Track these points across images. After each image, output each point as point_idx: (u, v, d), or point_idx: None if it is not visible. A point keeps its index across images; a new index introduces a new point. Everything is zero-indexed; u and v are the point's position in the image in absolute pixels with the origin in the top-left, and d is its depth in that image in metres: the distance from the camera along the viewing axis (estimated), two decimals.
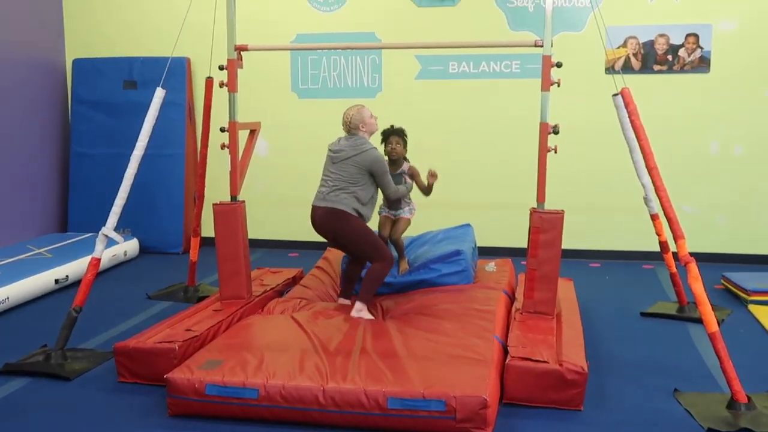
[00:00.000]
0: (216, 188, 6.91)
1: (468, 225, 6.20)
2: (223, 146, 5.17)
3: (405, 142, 5.34)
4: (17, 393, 4.03)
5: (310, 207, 5.05)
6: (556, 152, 4.63)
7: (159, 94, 4.79)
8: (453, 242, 5.67)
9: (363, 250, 4.99)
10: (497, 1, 7.29)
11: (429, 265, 5.41)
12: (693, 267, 3.92)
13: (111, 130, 7.84)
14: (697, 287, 3.88)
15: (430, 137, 7.00)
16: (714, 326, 3.79)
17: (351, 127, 5.01)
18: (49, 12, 7.93)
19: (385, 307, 5.04)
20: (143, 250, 7.69)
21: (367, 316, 4.82)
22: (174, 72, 7.35)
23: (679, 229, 4.04)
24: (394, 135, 5.32)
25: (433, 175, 5.25)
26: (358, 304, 4.84)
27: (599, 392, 3.97)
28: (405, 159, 5.38)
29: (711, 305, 3.92)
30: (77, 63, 7.97)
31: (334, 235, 5.02)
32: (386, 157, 5.20)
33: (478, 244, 6.11)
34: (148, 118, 4.74)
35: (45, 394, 4.02)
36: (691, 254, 4.01)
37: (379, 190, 5.11)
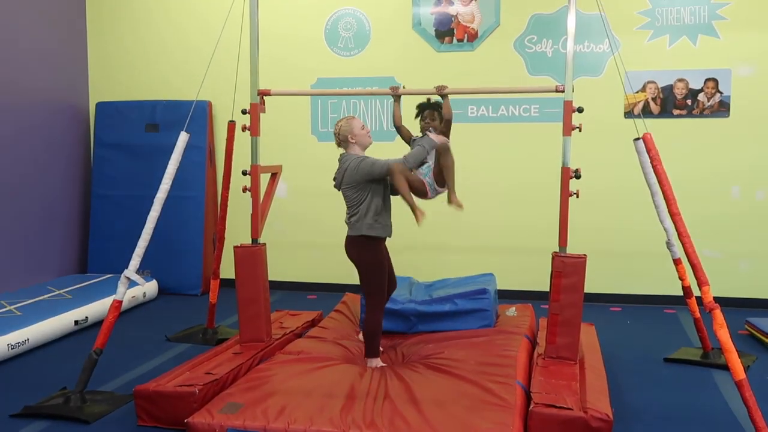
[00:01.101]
0: (234, 230, 6.93)
1: (491, 274, 6.18)
2: (245, 189, 5.20)
3: (441, 117, 5.00)
4: None
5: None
6: (578, 197, 4.62)
7: (183, 137, 4.84)
8: (477, 285, 5.66)
9: (366, 283, 4.73)
10: (516, 46, 7.36)
11: (453, 299, 5.41)
12: (718, 314, 3.88)
13: (132, 173, 7.92)
14: (723, 334, 3.85)
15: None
16: (741, 374, 3.74)
17: (340, 140, 4.75)
18: (74, 56, 8.07)
19: (406, 352, 5.00)
20: (162, 291, 7.71)
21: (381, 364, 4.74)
22: (196, 115, 7.44)
23: (703, 275, 4.01)
24: (429, 109, 5.03)
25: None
26: (369, 362, 4.71)
27: None
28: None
29: (737, 352, 3.87)
30: (100, 106, 8.08)
31: (353, 261, 4.80)
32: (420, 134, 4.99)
33: (498, 288, 6.08)
34: (172, 161, 4.78)
35: None
36: (714, 299, 3.98)
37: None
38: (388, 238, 4.82)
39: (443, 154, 4.80)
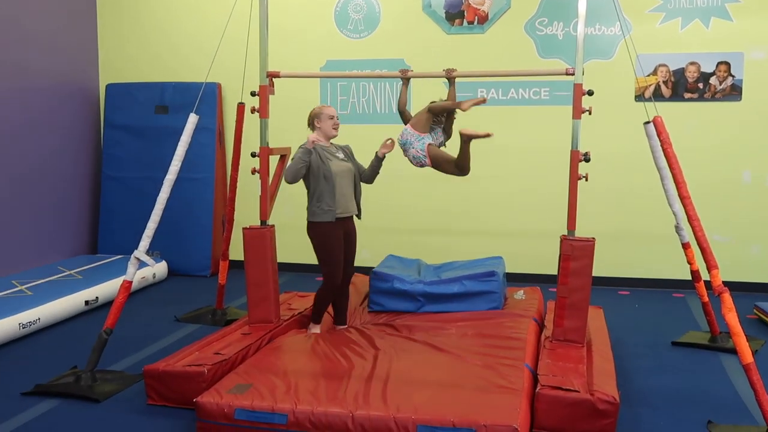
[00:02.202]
0: (243, 212, 6.95)
1: (499, 257, 6.18)
2: (253, 171, 5.21)
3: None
4: (47, 414, 4.05)
5: None
6: (587, 180, 4.61)
7: (192, 119, 4.85)
8: (486, 267, 5.66)
9: (318, 261, 5.02)
10: (526, 29, 7.31)
11: (461, 280, 5.43)
12: (727, 297, 3.88)
13: (141, 154, 7.94)
14: (731, 318, 3.84)
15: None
16: (749, 357, 3.74)
17: (309, 123, 5.04)
18: (84, 38, 8.08)
19: (413, 333, 5.01)
20: (171, 272, 7.75)
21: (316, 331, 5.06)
22: (205, 97, 7.44)
23: (712, 259, 4.01)
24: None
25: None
26: (310, 326, 5.11)
27: (631, 423, 3.91)
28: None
29: (745, 336, 3.87)
30: (110, 88, 8.09)
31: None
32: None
33: (507, 271, 6.09)
34: (182, 142, 4.79)
35: (75, 415, 4.04)
36: (723, 284, 3.97)
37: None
38: (339, 219, 4.94)
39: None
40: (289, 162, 4.93)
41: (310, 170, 4.87)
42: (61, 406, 4.17)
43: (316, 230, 4.94)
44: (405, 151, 4.83)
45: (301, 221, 7.73)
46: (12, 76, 6.97)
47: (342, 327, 5.24)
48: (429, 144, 4.75)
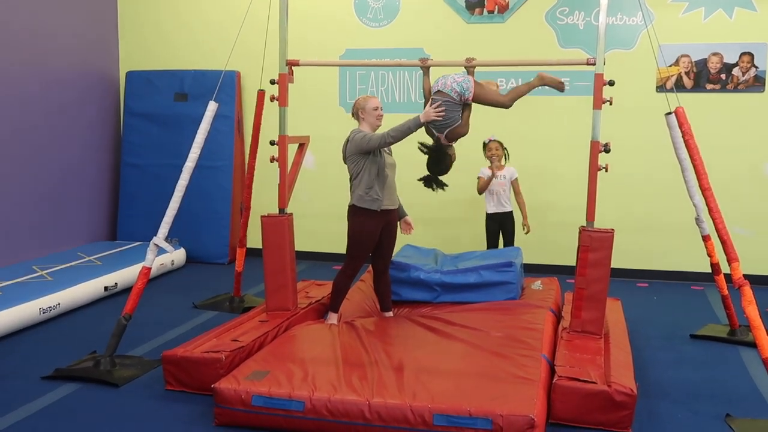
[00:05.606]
0: (262, 200, 6.97)
1: (517, 247, 6.16)
2: (272, 159, 5.22)
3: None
4: (67, 398, 4.10)
5: None
6: (606, 171, 4.58)
7: (212, 107, 4.86)
8: (503, 258, 5.65)
9: (347, 246, 5.02)
10: (547, 18, 7.26)
11: (478, 270, 5.43)
12: (747, 290, 3.86)
13: (161, 142, 7.98)
14: (751, 311, 3.82)
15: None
16: None
17: (353, 113, 5.03)
18: (104, 26, 8.11)
19: (430, 323, 5.01)
20: (190, 259, 7.79)
21: (333, 321, 5.03)
22: (224, 85, 7.46)
23: (733, 251, 3.98)
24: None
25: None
26: (328, 314, 5.10)
27: (648, 415, 3.90)
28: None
29: (765, 329, 3.84)
30: (130, 75, 8.13)
31: None
32: None
33: (524, 261, 6.07)
34: (201, 130, 4.81)
35: (94, 399, 4.09)
36: (744, 276, 3.95)
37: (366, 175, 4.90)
38: (384, 210, 4.91)
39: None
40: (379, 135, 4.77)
41: (369, 156, 4.85)
42: (81, 390, 4.21)
43: (357, 215, 4.92)
44: (442, 86, 4.75)
45: (317, 209, 7.82)
46: (33, 63, 7.01)
47: (388, 314, 5.25)
48: (475, 81, 4.81)
